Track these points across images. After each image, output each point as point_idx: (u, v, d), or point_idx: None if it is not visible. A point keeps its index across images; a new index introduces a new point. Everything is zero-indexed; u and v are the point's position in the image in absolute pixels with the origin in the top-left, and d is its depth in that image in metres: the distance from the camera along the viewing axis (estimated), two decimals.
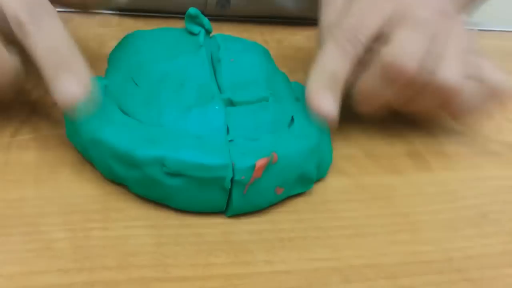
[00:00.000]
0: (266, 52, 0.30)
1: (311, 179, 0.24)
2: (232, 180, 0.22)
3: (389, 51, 0.26)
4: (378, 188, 0.26)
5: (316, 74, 0.26)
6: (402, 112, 0.30)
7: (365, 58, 0.27)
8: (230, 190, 0.22)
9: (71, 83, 0.22)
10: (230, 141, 0.23)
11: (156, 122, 0.23)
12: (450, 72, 0.27)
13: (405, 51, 0.26)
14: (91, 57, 0.29)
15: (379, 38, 0.27)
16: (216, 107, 0.24)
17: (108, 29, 0.37)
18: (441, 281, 0.22)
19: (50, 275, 0.19)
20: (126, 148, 0.22)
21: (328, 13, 0.29)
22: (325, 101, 0.25)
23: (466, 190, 0.27)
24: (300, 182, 0.24)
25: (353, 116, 0.31)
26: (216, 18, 0.41)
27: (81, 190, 0.23)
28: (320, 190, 0.25)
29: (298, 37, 0.41)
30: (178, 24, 0.37)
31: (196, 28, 0.27)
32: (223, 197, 0.22)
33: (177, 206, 0.22)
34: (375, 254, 0.22)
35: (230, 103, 0.25)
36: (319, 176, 0.25)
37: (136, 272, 0.20)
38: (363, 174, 0.27)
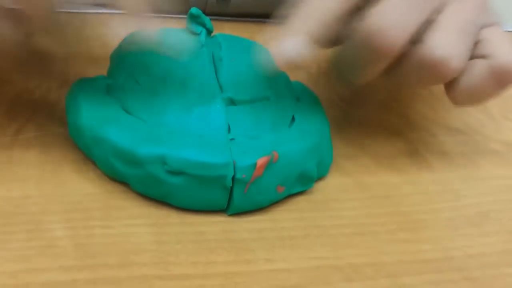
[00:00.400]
0: (266, 52, 0.30)
1: (311, 177, 0.24)
2: (233, 178, 0.22)
3: (370, 17, 0.22)
4: (379, 187, 0.26)
5: (299, 12, 0.22)
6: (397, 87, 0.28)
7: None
8: (231, 188, 0.22)
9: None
10: (231, 139, 0.23)
11: (158, 121, 0.23)
12: (441, 42, 0.22)
13: (389, 18, 0.22)
14: (94, 56, 0.29)
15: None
16: (217, 106, 0.24)
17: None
18: (441, 280, 0.21)
19: (52, 273, 0.19)
20: (128, 146, 0.22)
21: None
22: (291, 45, 0.21)
23: (466, 189, 0.27)
24: (301, 181, 0.24)
25: (353, 114, 0.31)
26: (217, 18, 0.41)
27: (83, 189, 0.23)
28: (321, 188, 0.25)
29: None
30: (180, 24, 0.37)
31: (197, 28, 0.27)
32: (224, 195, 0.22)
33: (178, 204, 0.22)
34: (376, 252, 0.22)
35: (231, 102, 0.25)
36: (320, 174, 0.25)
37: (137, 270, 0.20)
38: (364, 173, 0.27)
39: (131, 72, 0.26)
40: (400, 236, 0.23)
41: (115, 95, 0.25)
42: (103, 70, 0.27)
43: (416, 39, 0.23)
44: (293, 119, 0.25)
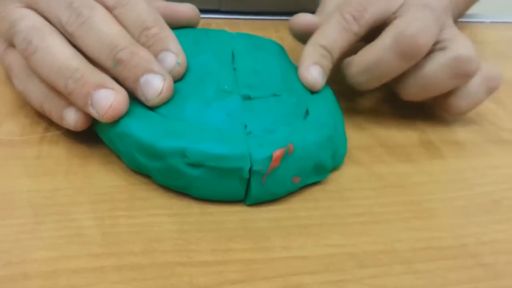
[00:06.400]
0: (281, 49, 0.29)
1: (326, 168, 0.24)
2: (250, 170, 0.21)
3: (402, 24, 0.25)
4: (392, 177, 0.25)
5: (312, 44, 0.26)
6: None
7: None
8: (249, 180, 0.22)
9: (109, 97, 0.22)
10: (248, 133, 0.23)
11: (178, 116, 0.23)
12: (466, 47, 0.26)
13: (418, 25, 0.25)
14: None
15: (384, 25, 0.27)
16: (235, 101, 0.24)
17: None
18: (455, 266, 0.21)
19: (81, 260, 0.19)
20: (150, 140, 0.22)
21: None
22: (313, 73, 0.25)
23: (478, 178, 0.26)
24: (316, 171, 0.24)
25: (366, 106, 0.31)
26: (232, 17, 0.40)
27: (109, 181, 0.23)
28: (335, 179, 0.25)
29: None
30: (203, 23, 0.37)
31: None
32: (242, 186, 0.22)
33: (198, 195, 0.22)
34: (390, 240, 0.22)
35: (248, 97, 0.24)
36: (335, 165, 0.25)
37: (160, 257, 0.20)
38: (377, 163, 0.26)
39: None
40: (414, 224, 0.23)
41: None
42: None
43: (437, 48, 0.27)
44: (307, 112, 0.25)
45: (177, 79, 0.24)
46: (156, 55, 0.24)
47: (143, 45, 0.23)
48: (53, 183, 0.22)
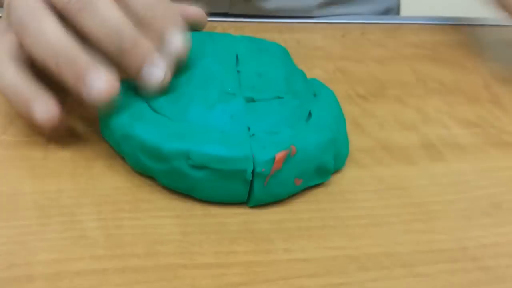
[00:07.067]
0: (285, 52, 0.29)
1: (328, 170, 0.24)
2: (253, 172, 0.21)
3: None
4: (394, 179, 0.25)
5: None
6: None
7: None
8: (252, 181, 0.21)
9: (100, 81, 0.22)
10: (252, 135, 0.22)
11: (182, 118, 0.23)
12: None
13: None
14: None
15: None
16: (238, 103, 0.23)
17: None
18: (455, 269, 0.20)
19: (84, 262, 0.19)
20: (155, 142, 0.21)
21: None
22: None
23: (479, 180, 0.26)
24: (318, 174, 0.23)
25: (368, 109, 0.30)
26: (238, 20, 0.40)
27: (113, 183, 0.23)
28: (337, 181, 0.24)
29: (316, 36, 0.40)
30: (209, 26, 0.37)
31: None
32: (245, 188, 0.22)
33: (202, 197, 0.22)
34: (391, 243, 0.21)
35: (251, 99, 0.24)
36: (337, 167, 0.25)
37: (163, 259, 0.19)
38: (379, 165, 0.26)
39: None
40: (415, 227, 0.22)
41: (142, 95, 0.24)
42: None
43: None
44: (310, 114, 0.24)
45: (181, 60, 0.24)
46: (161, 36, 0.23)
47: (147, 26, 0.23)
48: (58, 185, 0.22)
